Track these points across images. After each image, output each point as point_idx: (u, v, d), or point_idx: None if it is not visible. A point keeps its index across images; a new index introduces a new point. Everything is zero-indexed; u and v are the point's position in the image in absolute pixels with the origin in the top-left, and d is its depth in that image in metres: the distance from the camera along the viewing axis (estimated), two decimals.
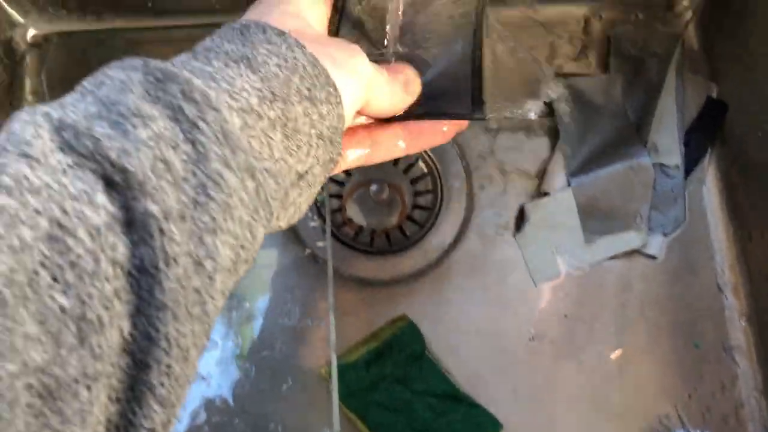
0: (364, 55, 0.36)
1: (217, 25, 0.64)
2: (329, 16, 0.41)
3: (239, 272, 0.30)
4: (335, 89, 0.33)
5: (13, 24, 0.64)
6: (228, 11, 0.66)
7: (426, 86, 0.42)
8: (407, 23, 0.43)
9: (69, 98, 0.28)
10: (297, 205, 0.34)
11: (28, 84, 0.65)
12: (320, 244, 0.60)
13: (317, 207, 0.62)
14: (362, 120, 0.41)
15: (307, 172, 0.33)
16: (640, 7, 0.68)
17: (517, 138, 0.65)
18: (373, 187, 0.66)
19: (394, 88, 0.39)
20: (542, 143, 0.65)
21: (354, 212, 0.65)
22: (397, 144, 0.42)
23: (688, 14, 0.68)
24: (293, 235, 0.61)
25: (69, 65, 0.66)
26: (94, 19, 0.66)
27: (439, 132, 0.43)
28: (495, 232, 0.63)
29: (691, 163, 0.65)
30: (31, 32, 0.66)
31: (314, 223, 0.61)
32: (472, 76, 0.42)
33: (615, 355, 0.61)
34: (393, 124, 0.41)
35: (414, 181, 0.66)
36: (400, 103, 0.40)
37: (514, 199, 0.64)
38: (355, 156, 0.41)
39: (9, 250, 0.22)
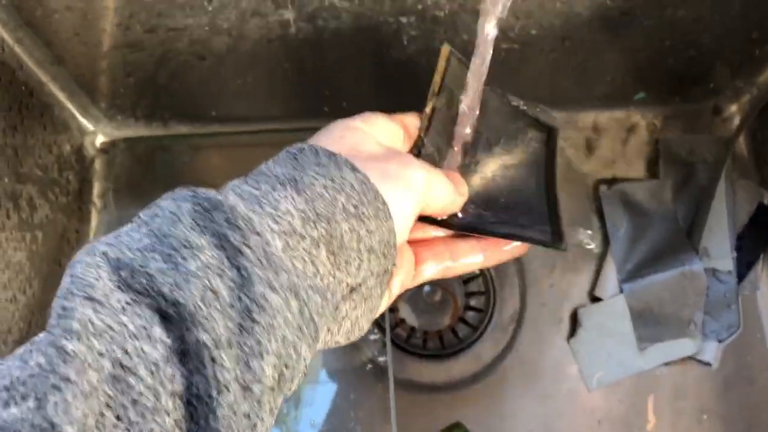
0: (417, 162, 0.38)
1: (277, 131, 0.67)
2: (420, 123, 0.42)
3: (285, 389, 0.31)
4: (384, 204, 0.34)
5: (84, 132, 0.67)
6: (287, 118, 0.68)
7: (501, 204, 0.43)
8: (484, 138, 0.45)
9: (125, 229, 0.30)
10: (353, 319, 0.35)
11: (96, 188, 0.68)
12: (381, 359, 0.61)
13: (377, 320, 0.63)
14: (441, 233, 0.42)
15: (360, 284, 0.34)
16: (688, 113, 0.70)
17: (570, 241, 0.66)
18: (426, 288, 0.67)
19: (452, 188, 0.39)
20: (595, 247, 0.66)
21: (406, 313, 0.66)
22: (475, 257, 0.43)
23: (736, 119, 0.69)
24: (353, 346, 0.62)
25: (135, 169, 0.69)
26: (160, 125, 0.69)
27: (517, 248, 0.44)
28: (549, 337, 0.64)
29: (743, 269, 0.65)
30: (100, 138, 0.69)
31: (374, 336, 0.62)
32: (549, 209, 0.43)
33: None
34: (470, 237, 0.42)
35: (466, 282, 0.67)
36: (458, 200, 0.40)
37: (568, 303, 0.65)
38: (434, 270, 0.42)
39: (81, 395, 0.23)
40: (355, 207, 0.33)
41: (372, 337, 0.62)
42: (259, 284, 0.29)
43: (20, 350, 0.25)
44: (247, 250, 0.29)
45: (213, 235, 0.29)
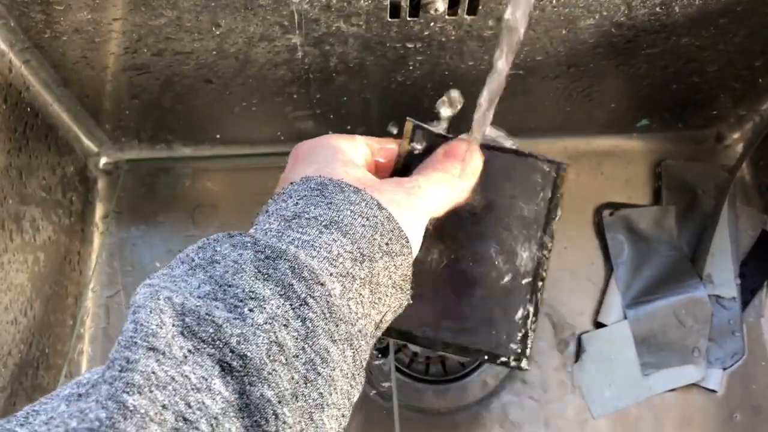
0: (419, 186, 0.38)
1: (280, 154, 0.67)
2: (400, 147, 0.43)
3: None
4: (407, 241, 0.35)
5: (88, 153, 0.67)
6: (292, 141, 0.68)
7: (467, 307, 0.42)
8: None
9: (178, 272, 0.30)
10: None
11: (99, 210, 0.68)
12: (385, 384, 0.60)
13: (380, 346, 0.62)
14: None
15: (381, 321, 0.35)
16: (691, 140, 0.70)
17: (573, 266, 0.66)
18: None
19: (456, 180, 0.39)
20: (597, 273, 0.66)
21: None
22: None
23: (739, 147, 0.69)
24: None
25: (138, 191, 0.68)
26: (164, 147, 0.69)
27: None
28: (552, 363, 0.63)
29: (747, 295, 0.65)
30: (104, 160, 0.69)
31: (377, 362, 0.61)
32: (522, 326, 0.42)
33: None
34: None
35: None
36: (469, 184, 0.41)
37: (572, 329, 0.64)
38: None
39: None
40: (387, 244, 0.34)
41: (375, 362, 0.62)
42: (322, 336, 0.29)
43: (65, 391, 0.24)
44: (312, 302, 0.29)
45: (277, 284, 0.29)
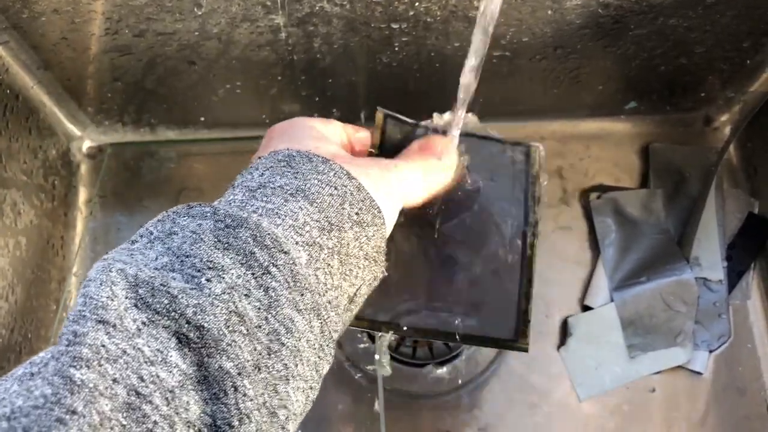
0: (396, 165, 0.38)
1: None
2: (373, 137, 0.42)
3: (306, 411, 0.30)
4: (379, 211, 0.34)
5: (70, 137, 0.66)
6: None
7: (465, 290, 0.42)
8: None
9: (137, 246, 0.29)
10: (345, 325, 0.35)
11: (82, 194, 0.67)
12: (370, 368, 0.60)
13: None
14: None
15: (355, 294, 0.34)
16: (679, 122, 0.70)
17: (560, 249, 0.66)
18: None
19: (429, 172, 0.39)
20: (585, 256, 0.66)
21: None
22: None
23: (726, 129, 0.69)
24: (343, 357, 0.62)
25: (121, 175, 0.68)
26: (148, 131, 0.68)
27: None
28: (539, 346, 0.63)
29: (734, 278, 0.65)
30: (87, 144, 0.68)
31: (363, 345, 0.61)
32: (519, 305, 0.42)
33: None
34: None
35: None
36: (442, 179, 0.41)
37: (558, 312, 0.64)
38: None
39: (89, 427, 0.22)
40: (357, 214, 0.33)
41: (361, 345, 0.61)
42: (286, 306, 0.28)
43: (19, 371, 0.24)
44: (274, 270, 0.28)
45: (238, 253, 0.28)
